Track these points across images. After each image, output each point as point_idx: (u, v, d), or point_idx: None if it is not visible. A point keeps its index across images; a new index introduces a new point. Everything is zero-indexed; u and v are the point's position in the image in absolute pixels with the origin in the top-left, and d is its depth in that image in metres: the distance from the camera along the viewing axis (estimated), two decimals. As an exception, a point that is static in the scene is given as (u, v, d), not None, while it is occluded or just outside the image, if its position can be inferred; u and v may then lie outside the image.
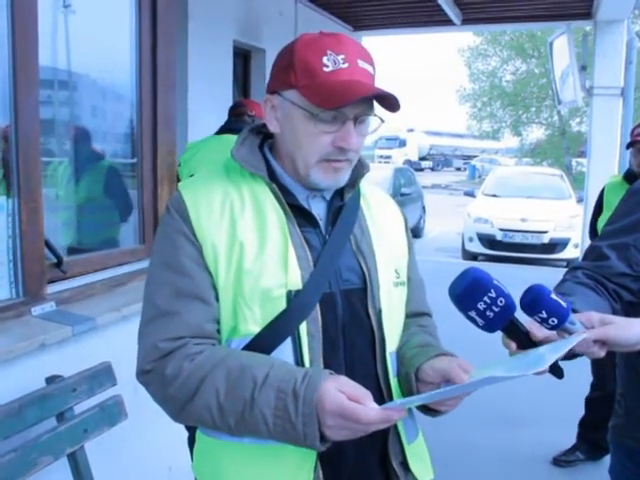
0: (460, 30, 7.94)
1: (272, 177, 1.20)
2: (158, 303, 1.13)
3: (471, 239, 9.92)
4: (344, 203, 1.23)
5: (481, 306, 1.06)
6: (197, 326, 1.11)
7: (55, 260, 2.24)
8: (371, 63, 1.15)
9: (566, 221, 9.46)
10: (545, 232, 9.44)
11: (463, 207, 12.18)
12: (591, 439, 3.35)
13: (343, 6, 6.88)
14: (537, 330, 1.12)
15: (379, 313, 1.20)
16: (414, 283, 1.34)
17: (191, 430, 1.40)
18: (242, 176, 1.20)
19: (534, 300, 1.09)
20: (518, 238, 9.57)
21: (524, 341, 1.12)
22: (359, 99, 1.08)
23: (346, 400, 0.98)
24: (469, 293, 1.06)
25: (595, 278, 1.39)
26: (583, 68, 7.34)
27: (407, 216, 1.40)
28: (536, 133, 26.95)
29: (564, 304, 1.10)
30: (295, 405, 1.00)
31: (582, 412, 3.43)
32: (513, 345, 1.12)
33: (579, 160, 23.52)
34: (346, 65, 1.11)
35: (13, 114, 2.01)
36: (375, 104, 1.14)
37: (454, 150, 43.31)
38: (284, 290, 1.11)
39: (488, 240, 9.72)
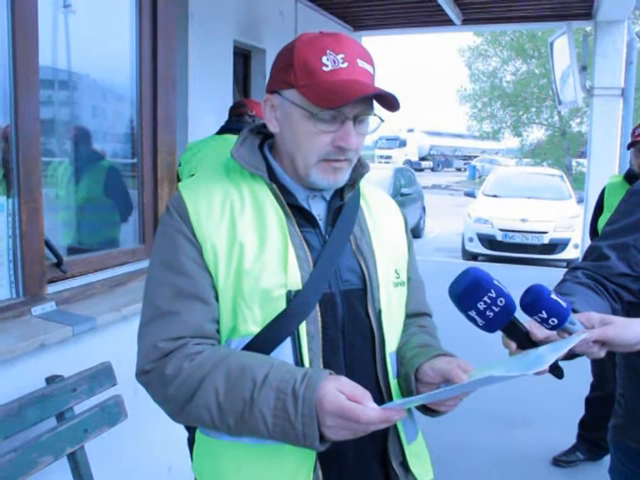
0: (460, 30, 7.95)
1: (272, 177, 1.20)
2: (158, 303, 1.13)
3: (471, 239, 9.92)
4: (344, 203, 1.23)
5: (481, 306, 1.06)
6: (197, 326, 1.11)
7: (55, 260, 2.24)
8: (371, 63, 1.15)
9: (566, 221, 9.47)
10: (545, 232, 9.43)
11: (463, 207, 12.19)
12: (591, 439, 3.35)
13: (343, 6, 6.88)
14: (537, 330, 1.12)
15: (379, 313, 1.20)
16: (414, 283, 1.34)
17: (191, 430, 1.40)
18: (242, 176, 1.20)
19: (534, 300, 1.09)
20: (518, 238, 9.57)
21: (524, 341, 1.12)
22: (358, 98, 1.08)
23: (346, 400, 0.98)
24: (469, 293, 1.06)
25: (595, 278, 1.39)
26: (583, 68, 7.34)
27: (407, 216, 1.40)
28: (536, 133, 27.02)
29: (564, 304, 1.10)
30: (295, 405, 1.00)
31: (582, 412, 3.43)
32: (513, 345, 1.12)
33: (579, 160, 23.56)
34: (346, 65, 1.10)
35: (13, 114, 2.01)
36: (375, 104, 1.14)
37: (454, 150, 43.27)
38: (284, 290, 1.11)
39: (488, 240, 9.72)
